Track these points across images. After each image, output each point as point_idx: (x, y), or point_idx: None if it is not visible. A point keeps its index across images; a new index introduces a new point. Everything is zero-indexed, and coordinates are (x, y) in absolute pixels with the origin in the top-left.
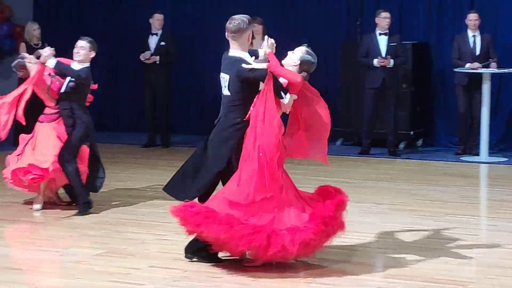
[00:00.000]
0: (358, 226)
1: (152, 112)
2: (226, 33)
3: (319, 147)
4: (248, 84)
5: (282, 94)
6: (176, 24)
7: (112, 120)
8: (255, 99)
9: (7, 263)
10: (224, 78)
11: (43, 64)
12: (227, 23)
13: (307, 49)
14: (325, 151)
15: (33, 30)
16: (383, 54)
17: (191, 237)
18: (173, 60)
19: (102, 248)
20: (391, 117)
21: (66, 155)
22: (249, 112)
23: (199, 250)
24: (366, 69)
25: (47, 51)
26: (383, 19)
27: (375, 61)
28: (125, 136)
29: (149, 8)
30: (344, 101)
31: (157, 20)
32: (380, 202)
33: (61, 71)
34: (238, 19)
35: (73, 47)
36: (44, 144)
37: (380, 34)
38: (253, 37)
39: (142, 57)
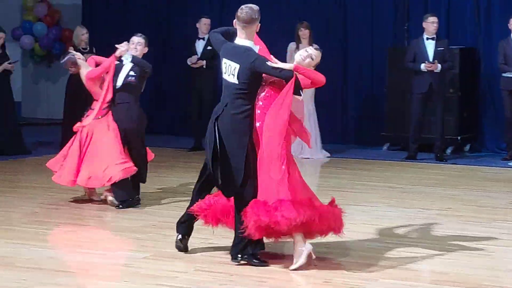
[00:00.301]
0: (405, 232)
1: (198, 115)
2: (235, 21)
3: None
4: (261, 77)
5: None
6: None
7: (159, 123)
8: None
9: (54, 266)
10: (231, 66)
11: (116, 57)
12: (238, 13)
13: (316, 51)
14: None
15: (82, 34)
16: (431, 59)
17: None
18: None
19: (148, 251)
20: (438, 122)
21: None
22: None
23: (245, 248)
24: (413, 74)
25: (124, 46)
26: (431, 24)
27: (423, 66)
28: (171, 140)
29: (197, 12)
30: (391, 106)
31: (204, 25)
32: (427, 207)
33: (138, 64)
34: (250, 9)
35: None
36: (106, 149)
37: (427, 38)
38: (299, 41)
39: (189, 61)
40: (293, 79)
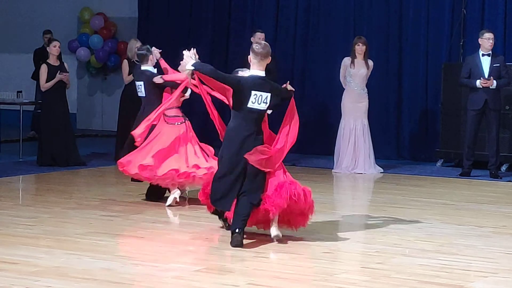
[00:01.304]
0: (459, 249)
1: None
2: (253, 55)
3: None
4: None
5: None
6: (279, 42)
7: (212, 138)
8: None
9: (107, 277)
10: (263, 96)
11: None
12: (256, 49)
13: None
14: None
15: (136, 47)
16: (486, 75)
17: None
18: (274, 79)
19: (201, 264)
20: (493, 139)
21: None
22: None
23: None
24: (469, 90)
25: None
26: (486, 40)
27: (478, 82)
28: None
29: (253, 26)
30: (445, 122)
31: (258, 39)
32: (481, 225)
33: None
34: (266, 45)
35: (177, 65)
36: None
37: (483, 55)
38: (354, 56)
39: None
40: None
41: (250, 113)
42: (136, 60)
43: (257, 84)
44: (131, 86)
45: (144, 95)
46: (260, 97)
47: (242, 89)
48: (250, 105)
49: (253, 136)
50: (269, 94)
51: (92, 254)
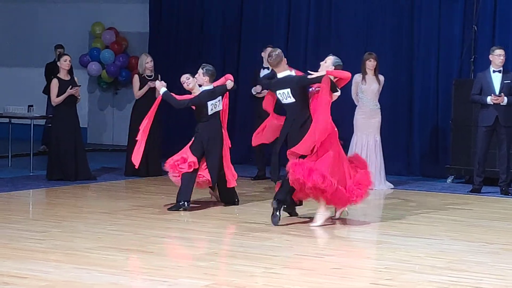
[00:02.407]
0: (469, 266)
1: (262, 145)
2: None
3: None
4: (306, 89)
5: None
6: (289, 57)
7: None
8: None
9: None
10: (284, 92)
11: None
12: (269, 59)
13: (334, 56)
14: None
15: (146, 62)
16: (497, 91)
17: None
18: None
19: (210, 279)
20: (504, 155)
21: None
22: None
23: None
24: (479, 107)
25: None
26: (497, 57)
27: (489, 99)
28: (235, 168)
29: (263, 40)
30: (456, 138)
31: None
32: (492, 241)
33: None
34: (275, 55)
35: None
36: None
37: (494, 71)
38: (365, 72)
39: (254, 90)
40: (327, 77)
41: (287, 109)
42: (147, 75)
43: (277, 84)
44: (142, 100)
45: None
46: (283, 93)
47: (272, 92)
48: (282, 102)
49: (294, 126)
50: (288, 89)
51: (101, 268)
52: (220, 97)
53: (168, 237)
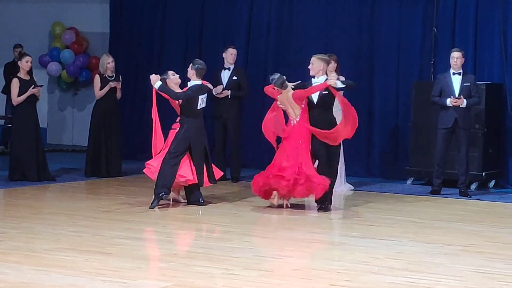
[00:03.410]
0: (427, 267)
1: (223, 146)
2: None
3: None
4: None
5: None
6: (250, 58)
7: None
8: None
9: None
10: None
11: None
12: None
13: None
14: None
15: (107, 62)
16: (457, 94)
17: None
18: (245, 94)
19: (169, 280)
20: (463, 157)
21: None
22: None
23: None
24: (439, 109)
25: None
26: (453, 59)
27: (448, 101)
28: None
29: (225, 42)
30: (416, 140)
31: (230, 55)
32: (450, 243)
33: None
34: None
35: (148, 80)
36: None
37: (454, 73)
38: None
39: (214, 91)
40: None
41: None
42: (108, 76)
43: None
44: (102, 101)
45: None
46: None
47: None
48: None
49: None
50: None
51: (60, 270)
52: (206, 94)
53: (128, 238)
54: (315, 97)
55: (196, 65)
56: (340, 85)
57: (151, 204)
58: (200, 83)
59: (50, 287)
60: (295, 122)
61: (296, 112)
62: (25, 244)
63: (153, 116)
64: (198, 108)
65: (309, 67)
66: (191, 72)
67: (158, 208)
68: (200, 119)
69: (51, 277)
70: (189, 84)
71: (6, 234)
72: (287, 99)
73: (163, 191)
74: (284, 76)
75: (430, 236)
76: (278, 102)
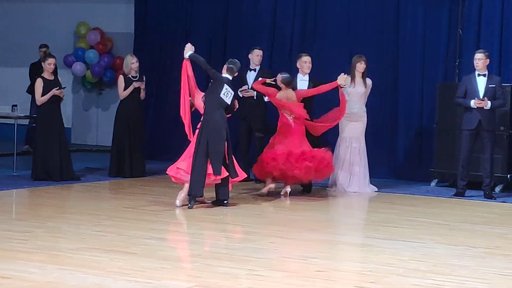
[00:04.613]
0: (452, 269)
1: (247, 146)
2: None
3: None
4: None
5: None
6: (275, 59)
7: None
8: None
9: None
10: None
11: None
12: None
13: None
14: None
15: (132, 63)
16: (481, 95)
17: None
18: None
19: (193, 281)
20: (488, 159)
21: None
22: None
23: None
24: (463, 110)
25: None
26: (476, 60)
27: (472, 103)
28: None
29: (249, 42)
30: (440, 142)
31: (256, 56)
32: (475, 245)
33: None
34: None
35: (172, 80)
36: None
37: (479, 75)
38: (354, 74)
39: (240, 91)
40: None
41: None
42: (132, 76)
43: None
44: (126, 101)
45: None
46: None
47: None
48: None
49: None
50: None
51: (85, 269)
52: (234, 93)
53: (152, 238)
54: None
55: (231, 65)
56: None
57: (189, 204)
58: (230, 78)
59: (74, 287)
60: (291, 119)
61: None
62: (50, 244)
63: (182, 92)
64: (221, 95)
65: (302, 65)
66: (224, 67)
67: (182, 208)
68: (222, 111)
69: (76, 276)
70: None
71: (31, 233)
72: (287, 96)
73: (198, 192)
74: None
75: (455, 238)
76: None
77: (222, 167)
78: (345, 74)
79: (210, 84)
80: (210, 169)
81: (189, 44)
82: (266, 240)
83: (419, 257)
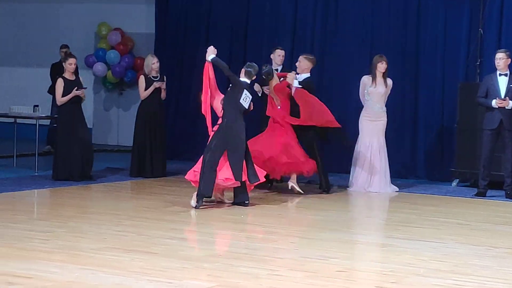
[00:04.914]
0: (473, 269)
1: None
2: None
3: None
4: None
5: None
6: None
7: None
8: None
9: None
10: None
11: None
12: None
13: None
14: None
15: (152, 63)
16: (502, 95)
17: None
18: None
19: (215, 281)
20: (509, 159)
21: None
22: None
23: None
24: (485, 110)
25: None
26: (497, 60)
27: (493, 102)
28: None
29: (270, 43)
30: (461, 141)
31: (278, 56)
32: (496, 245)
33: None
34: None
35: (193, 80)
36: None
37: (500, 74)
38: (375, 74)
39: (257, 88)
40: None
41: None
42: (153, 76)
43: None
44: (147, 101)
45: None
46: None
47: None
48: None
49: None
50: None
51: (106, 269)
52: (252, 97)
53: (173, 238)
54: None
55: (249, 68)
56: (296, 84)
57: (196, 204)
58: (248, 82)
59: (95, 286)
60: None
61: (277, 102)
62: (71, 243)
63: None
64: (240, 101)
65: (296, 64)
66: (242, 71)
67: (202, 208)
68: (241, 116)
69: (98, 276)
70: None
71: (53, 233)
72: (272, 88)
73: (203, 194)
74: (274, 70)
75: (476, 239)
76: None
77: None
78: (295, 73)
79: (229, 88)
80: (228, 174)
81: (211, 47)
82: (287, 240)
83: (440, 257)
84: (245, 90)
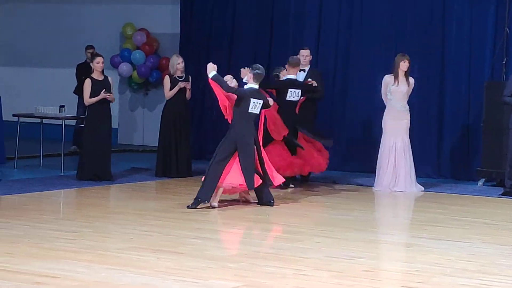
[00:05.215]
0: (500, 269)
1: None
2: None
3: None
4: None
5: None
6: (320, 58)
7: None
8: None
9: None
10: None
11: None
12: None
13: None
14: None
15: (177, 63)
16: None
17: None
18: (321, 97)
19: (241, 281)
20: None
21: None
22: None
23: None
24: (510, 109)
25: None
26: None
27: None
28: None
29: (295, 43)
30: (487, 140)
31: (302, 56)
32: None
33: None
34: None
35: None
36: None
37: None
38: (397, 74)
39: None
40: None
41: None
42: (178, 76)
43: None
44: (172, 101)
45: None
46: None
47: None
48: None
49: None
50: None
51: (132, 269)
52: (262, 102)
53: (198, 238)
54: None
55: (255, 70)
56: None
57: (191, 204)
58: (257, 88)
59: (122, 286)
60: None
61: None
62: (98, 243)
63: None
64: (249, 111)
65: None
66: (248, 76)
67: (227, 208)
68: (251, 124)
69: (124, 276)
70: (245, 87)
71: (79, 233)
72: None
73: (200, 198)
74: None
75: (503, 238)
76: None
77: (257, 176)
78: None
79: (237, 98)
80: (243, 180)
81: (210, 63)
82: (312, 240)
83: (467, 257)
84: (251, 99)
